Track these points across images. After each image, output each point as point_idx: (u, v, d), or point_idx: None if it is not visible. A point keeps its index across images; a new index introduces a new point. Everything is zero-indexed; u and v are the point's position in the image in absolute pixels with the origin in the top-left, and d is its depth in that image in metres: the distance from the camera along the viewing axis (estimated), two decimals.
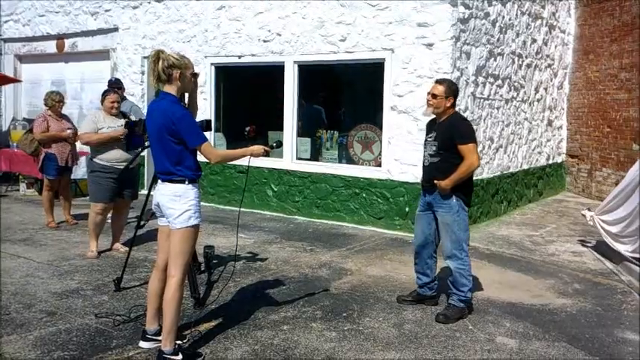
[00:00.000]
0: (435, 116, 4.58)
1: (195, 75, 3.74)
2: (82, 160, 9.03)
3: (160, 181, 3.65)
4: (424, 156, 4.62)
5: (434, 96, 4.45)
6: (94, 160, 5.88)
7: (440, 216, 4.48)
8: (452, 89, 4.48)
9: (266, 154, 3.94)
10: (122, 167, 5.79)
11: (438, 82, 4.55)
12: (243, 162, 4.08)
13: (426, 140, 4.62)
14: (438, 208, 4.47)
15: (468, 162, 4.31)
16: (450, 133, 4.39)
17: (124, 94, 7.76)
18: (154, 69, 3.52)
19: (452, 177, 4.32)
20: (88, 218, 6.06)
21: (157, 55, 3.51)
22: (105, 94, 6.10)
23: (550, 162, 10.58)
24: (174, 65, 3.53)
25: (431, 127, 4.63)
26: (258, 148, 3.84)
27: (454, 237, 4.41)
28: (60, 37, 11.43)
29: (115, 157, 5.83)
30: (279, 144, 4.25)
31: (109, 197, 5.92)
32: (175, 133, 3.48)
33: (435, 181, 4.39)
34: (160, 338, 3.64)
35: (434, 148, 4.47)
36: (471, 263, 4.52)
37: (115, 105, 5.98)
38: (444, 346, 3.95)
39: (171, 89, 3.58)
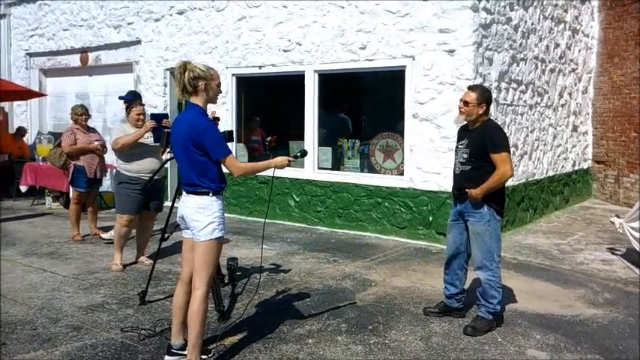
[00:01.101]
0: (466, 122, 4.47)
1: (216, 119, 3.72)
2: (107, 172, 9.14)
3: (184, 193, 3.65)
4: (455, 163, 4.52)
5: (466, 103, 4.35)
6: (122, 171, 5.91)
7: (471, 225, 4.38)
8: (484, 96, 4.37)
9: (289, 164, 3.91)
10: (148, 178, 5.80)
11: (470, 88, 4.46)
12: (265, 172, 4.07)
13: (457, 147, 4.52)
14: (469, 217, 4.38)
15: (500, 171, 4.20)
16: (482, 141, 4.28)
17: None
18: (180, 80, 3.53)
19: (483, 186, 4.22)
20: (114, 230, 6.09)
21: (184, 66, 3.52)
22: (130, 105, 6.11)
23: (576, 168, 10.40)
24: (199, 76, 3.53)
25: (463, 133, 4.52)
26: (281, 159, 3.81)
27: (485, 247, 4.31)
28: (84, 51, 11.60)
29: (143, 167, 5.84)
30: (304, 153, 4.21)
31: (135, 209, 5.94)
32: (200, 144, 3.47)
33: (466, 190, 4.30)
34: (185, 353, 3.63)
35: (465, 155, 4.36)
36: (501, 275, 4.42)
37: (141, 117, 6.01)
38: (473, 359, 3.87)
39: (197, 100, 3.59)
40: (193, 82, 3.52)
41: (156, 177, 5.77)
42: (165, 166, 6.22)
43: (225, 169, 3.58)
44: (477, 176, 4.27)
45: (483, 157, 4.27)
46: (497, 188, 4.28)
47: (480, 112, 4.33)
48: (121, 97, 6.53)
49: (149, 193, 5.90)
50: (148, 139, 5.80)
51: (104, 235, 7.06)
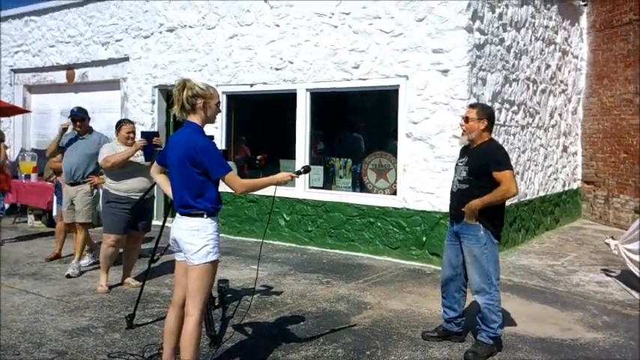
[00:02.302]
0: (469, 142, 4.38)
1: (211, 137, 3.62)
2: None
3: (177, 215, 3.51)
4: (453, 181, 4.43)
5: (466, 119, 4.28)
6: (111, 190, 5.75)
7: (466, 247, 4.26)
8: (486, 112, 4.31)
9: (291, 180, 3.79)
10: (137, 198, 5.65)
11: (471, 105, 4.43)
12: (261, 191, 3.94)
13: (456, 165, 4.44)
14: (464, 239, 4.26)
15: (504, 187, 4.07)
16: (483, 160, 4.17)
17: (90, 126, 6.73)
18: (178, 98, 3.42)
19: (484, 198, 4.09)
20: (100, 250, 5.89)
21: (183, 84, 3.42)
22: (120, 124, 5.98)
23: (566, 188, 10.40)
24: (198, 95, 3.43)
25: (464, 151, 4.43)
26: (283, 175, 3.70)
27: (482, 271, 4.19)
28: (70, 67, 11.44)
29: (133, 187, 5.70)
30: (307, 169, 4.11)
31: (123, 229, 5.77)
32: (198, 163, 3.35)
33: (464, 205, 4.16)
34: None
35: (464, 173, 4.26)
36: (500, 298, 4.31)
37: (131, 135, 5.87)
38: None
39: (195, 119, 3.48)
40: (192, 100, 3.42)
41: (146, 196, 5.63)
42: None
43: (224, 187, 3.45)
44: (475, 195, 4.15)
45: (483, 176, 4.16)
46: (497, 203, 4.15)
47: (482, 127, 4.25)
48: (71, 114, 6.58)
49: (137, 212, 5.74)
50: (139, 157, 5.66)
51: (82, 262, 6.68)
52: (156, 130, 9.56)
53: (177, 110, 3.46)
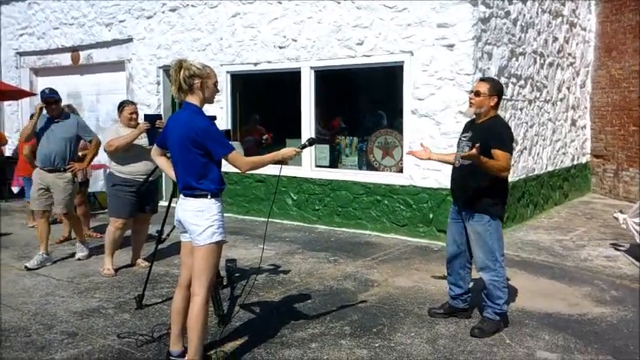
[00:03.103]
0: (475, 117, 4.29)
1: (212, 118, 3.60)
2: (100, 172, 8.99)
3: (181, 196, 3.52)
4: (455, 157, 4.35)
5: (477, 93, 4.16)
6: (115, 173, 5.74)
7: (469, 225, 4.22)
8: (497, 88, 4.21)
9: (297, 155, 3.77)
10: (142, 180, 5.65)
11: (483, 79, 4.33)
12: (266, 170, 3.93)
13: (459, 139, 4.35)
14: (467, 217, 4.24)
15: (501, 164, 3.98)
16: (487, 135, 4.06)
17: (63, 107, 6.49)
18: (175, 78, 3.40)
19: (486, 160, 3.92)
20: (106, 233, 5.93)
21: (179, 65, 3.40)
22: (122, 105, 5.93)
23: (575, 163, 10.32)
24: (195, 74, 3.40)
25: (468, 126, 4.35)
26: (288, 150, 3.68)
27: (486, 247, 4.17)
28: (75, 50, 11.40)
29: (137, 169, 5.68)
30: (313, 141, 4.08)
31: (129, 212, 5.78)
32: (200, 144, 3.34)
33: (468, 154, 3.96)
34: None
35: (467, 149, 4.14)
36: (505, 274, 4.31)
37: (134, 116, 5.84)
38: None
39: (193, 99, 3.46)
40: (189, 81, 3.40)
41: (150, 178, 5.63)
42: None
43: (231, 167, 3.45)
44: (478, 172, 4.04)
45: (486, 153, 4.02)
46: (489, 170, 3.97)
47: (492, 104, 4.17)
48: (45, 96, 6.11)
49: (143, 195, 5.74)
50: (142, 139, 5.65)
51: (78, 255, 6.44)
52: (160, 113, 9.54)
53: (174, 91, 3.45)
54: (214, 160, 3.42)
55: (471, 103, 4.24)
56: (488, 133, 4.10)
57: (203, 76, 3.44)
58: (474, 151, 3.84)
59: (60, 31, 11.58)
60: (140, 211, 5.88)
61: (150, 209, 5.98)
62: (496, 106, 4.22)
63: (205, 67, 3.49)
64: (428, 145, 7.09)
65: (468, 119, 4.46)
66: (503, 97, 7.55)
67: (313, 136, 8.24)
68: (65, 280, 5.62)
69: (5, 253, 6.70)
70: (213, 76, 3.51)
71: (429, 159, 4.70)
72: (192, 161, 3.40)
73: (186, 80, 3.40)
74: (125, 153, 5.66)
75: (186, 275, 3.61)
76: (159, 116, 5.60)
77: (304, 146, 3.91)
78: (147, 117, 5.66)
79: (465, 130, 4.37)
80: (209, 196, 3.44)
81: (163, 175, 8.91)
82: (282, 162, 3.71)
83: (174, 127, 3.48)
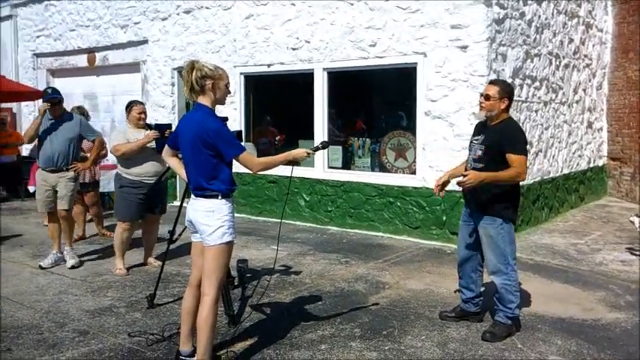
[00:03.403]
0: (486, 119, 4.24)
1: (224, 119, 3.63)
2: (112, 173, 9.03)
3: (192, 196, 3.53)
4: (467, 160, 4.31)
5: (487, 97, 4.11)
6: (123, 174, 5.75)
7: (481, 227, 4.17)
8: (507, 90, 4.15)
9: (308, 157, 3.77)
10: (152, 182, 5.66)
11: (492, 82, 4.28)
12: (278, 171, 3.93)
13: (471, 142, 4.30)
14: (479, 220, 4.21)
15: (514, 171, 3.94)
16: (500, 139, 4.03)
17: (73, 109, 6.53)
18: (187, 79, 3.41)
19: (496, 174, 3.93)
20: (114, 235, 5.96)
21: (192, 65, 3.42)
22: (130, 105, 5.90)
23: (591, 165, 10.20)
24: (207, 75, 3.42)
25: (480, 128, 4.29)
26: (299, 151, 3.67)
27: (498, 251, 4.12)
28: (91, 51, 11.52)
29: (146, 171, 5.69)
30: (326, 144, 4.07)
31: (137, 214, 5.78)
32: (211, 145, 3.35)
33: (472, 174, 3.95)
34: None
35: (479, 152, 4.11)
36: (518, 278, 4.26)
37: (142, 116, 5.85)
38: None
39: (205, 100, 3.47)
40: (201, 82, 3.41)
41: (162, 179, 5.65)
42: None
43: (243, 168, 3.46)
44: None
45: (498, 157, 4.02)
46: (502, 183, 3.99)
47: (502, 107, 4.11)
48: (49, 96, 6.02)
49: (152, 196, 5.75)
50: (151, 141, 5.63)
51: (70, 263, 6.10)
52: (170, 122, 9.58)
53: (186, 92, 3.47)
54: (225, 161, 3.43)
55: (481, 106, 4.19)
56: (501, 136, 4.06)
57: (215, 77, 3.45)
58: (470, 177, 3.87)
59: (76, 32, 11.71)
60: (149, 212, 5.90)
61: (159, 210, 6.00)
62: (507, 109, 4.17)
63: (217, 68, 3.50)
64: (441, 147, 7.17)
65: (479, 121, 4.40)
66: (518, 98, 7.55)
67: (326, 139, 8.23)
68: (79, 278, 5.66)
69: (20, 252, 6.78)
70: (224, 77, 3.52)
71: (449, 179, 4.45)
72: (203, 162, 3.41)
73: (198, 81, 3.41)
74: (133, 156, 5.66)
75: (196, 275, 3.62)
76: (169, 126, 5.57)
77: (317, 149, 3.90)
78: (157, 126, 5.64)
79: (477, 132, 4.31)
80: (220, 197, 3.45)
81: (177, 176, 8.98)
82: (293, 163, 3.71)
83: (186, 128, 3.50)
